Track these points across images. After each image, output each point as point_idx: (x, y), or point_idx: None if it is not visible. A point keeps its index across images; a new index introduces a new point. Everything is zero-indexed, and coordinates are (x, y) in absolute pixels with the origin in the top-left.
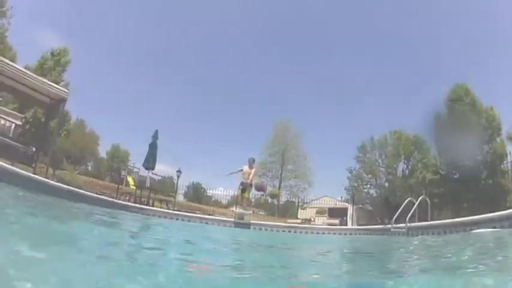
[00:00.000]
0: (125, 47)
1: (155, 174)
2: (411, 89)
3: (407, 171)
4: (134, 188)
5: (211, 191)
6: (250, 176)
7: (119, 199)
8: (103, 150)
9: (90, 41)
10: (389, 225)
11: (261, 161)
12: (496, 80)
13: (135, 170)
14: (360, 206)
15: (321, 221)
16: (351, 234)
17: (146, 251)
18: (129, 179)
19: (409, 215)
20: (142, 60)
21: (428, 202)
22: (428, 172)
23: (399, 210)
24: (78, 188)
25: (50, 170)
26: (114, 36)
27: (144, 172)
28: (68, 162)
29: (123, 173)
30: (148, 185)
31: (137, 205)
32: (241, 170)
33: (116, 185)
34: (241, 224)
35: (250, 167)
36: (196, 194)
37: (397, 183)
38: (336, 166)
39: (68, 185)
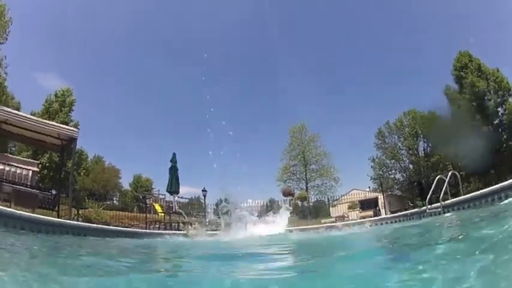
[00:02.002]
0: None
1: (181, 197)
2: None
3: (428, 149)
4: (163, 214)
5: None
6: None
7: (149, 228)
8: (126, 183)
9: (92, 75)
10: (424, 207)
11: (283, 166)
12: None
13: (161, 196)
14: (389, 192)
15: (355, 215)
16: (386, 223)
17: None
18: (157, 206)
19: (441, 193)
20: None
21: (458, 176)
22: None
23: (431, 190)
24: (105, 224)
25: (74, 211)
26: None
27: (170, 197)
28: (92, 200)
29: (148, 201)
30: (176, 209)
31: (167, 231)
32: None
33: (144, 215)
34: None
35: None
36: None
37: (421, 163)
38: (359, 157)
39: (93, 222)
